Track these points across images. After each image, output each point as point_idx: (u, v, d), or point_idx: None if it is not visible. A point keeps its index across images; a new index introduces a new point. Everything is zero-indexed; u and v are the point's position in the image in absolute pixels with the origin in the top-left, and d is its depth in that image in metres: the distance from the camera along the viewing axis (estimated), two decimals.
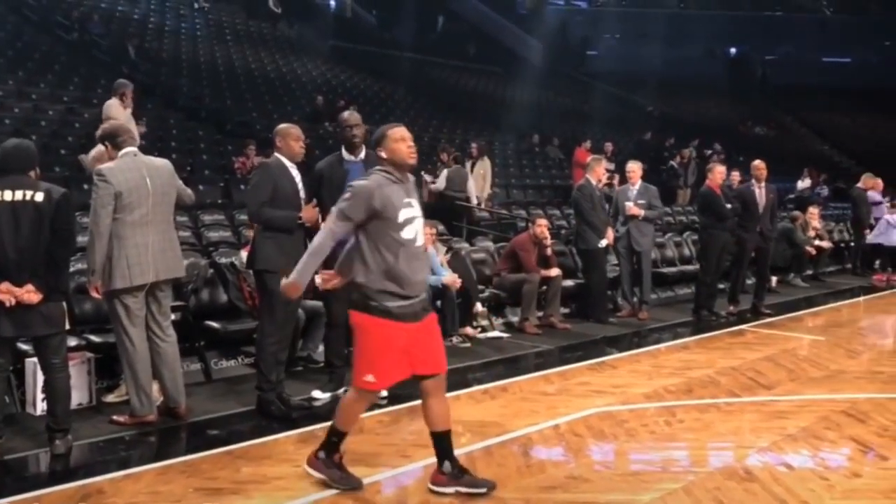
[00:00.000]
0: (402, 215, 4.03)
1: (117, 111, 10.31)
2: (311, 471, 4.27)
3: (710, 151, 20.27)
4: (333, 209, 4.08)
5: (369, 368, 4.07)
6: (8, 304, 4.40)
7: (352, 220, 4.01)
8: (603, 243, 9.11)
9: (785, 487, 4.38)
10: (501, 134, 20.71)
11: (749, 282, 10.62)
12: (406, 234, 4.04)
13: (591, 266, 9.30)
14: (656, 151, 19.56)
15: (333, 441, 4.25)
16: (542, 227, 8.91)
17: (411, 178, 4.22)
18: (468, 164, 13.43)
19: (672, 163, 17.57)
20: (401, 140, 4.12)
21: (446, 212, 12.15)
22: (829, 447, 5.07)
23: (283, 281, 4.23)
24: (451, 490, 4.18)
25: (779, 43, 38.08)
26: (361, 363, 4.11)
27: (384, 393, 5.91)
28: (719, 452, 5.05)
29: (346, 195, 4.04)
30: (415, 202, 4.15)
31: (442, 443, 4.26)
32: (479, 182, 13.23)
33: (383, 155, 4.13)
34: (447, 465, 4.24)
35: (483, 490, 4.20)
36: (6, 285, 4.39)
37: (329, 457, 4.25)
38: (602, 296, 9.39)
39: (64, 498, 4.12)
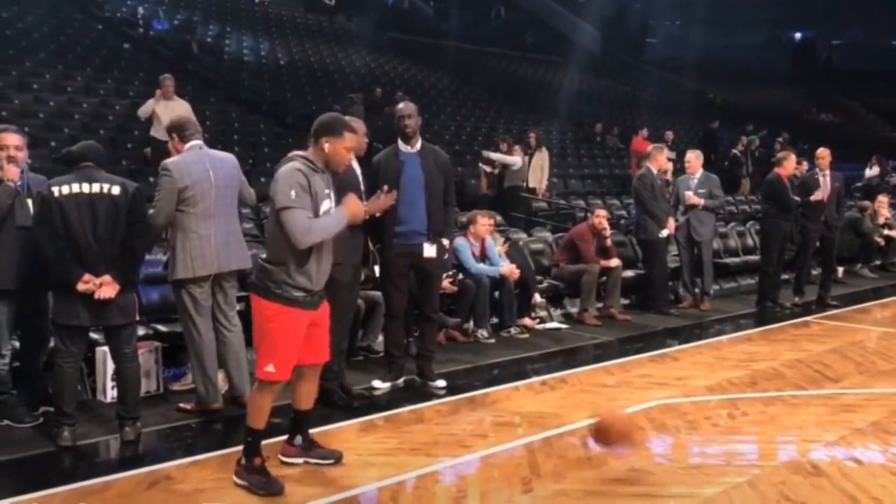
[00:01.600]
0: (323, 207, 4.03)
1: (147, 108, 10.58)
2: (236, 480, 4.13)
3: (779, 139, 19.79)
4: (281, 207, 3.94)
5: (271, 357, 4.03)
6: (97, 295, 4.52)
7: (301, 206, 3.93)
8: (664, 233, 8.99)
9: (854, 483, 4.28)
10: (559, 123, 20.56)
11: (815, 272, 10.38)
12: None
13: (651, 256, 9.19)
14: (720, 141, 19.19)
15: (249, 441, 4.13)
16: (600, 217, 8.83)
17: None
18: (536, 155, 13.29)
19: (735, 151, 17.21)
20: (349, 150, 4.16)
21: (506, 202, 12.12)
22: None
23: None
24: (300, 460, 4.41)
25: (845, 26, 37.04)
26: (263, 352, 4.06)
27: (442, 383, 5.97)
28: (785, 446, 4.96)
29: (282, 189, 3.94)
30: (333, 195, 4.12)
31: (302, 420, 4.45)
32: (536, 173, 13.11)
33: (325, 147, 4.06)
34: (299, 438, 4.45)
35: (332, 461, 4.41)
36: (88, 276, 4.52)
37: (249, 462, 4.11)
38: (663, 286, 9.27)
39: (133, 483, 4.23)
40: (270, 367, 4.03)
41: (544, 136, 18.66)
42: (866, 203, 13.32)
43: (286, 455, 4.43)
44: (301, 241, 3.93)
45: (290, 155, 4.16)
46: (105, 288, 4.54)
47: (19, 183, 4.85)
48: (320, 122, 4.14)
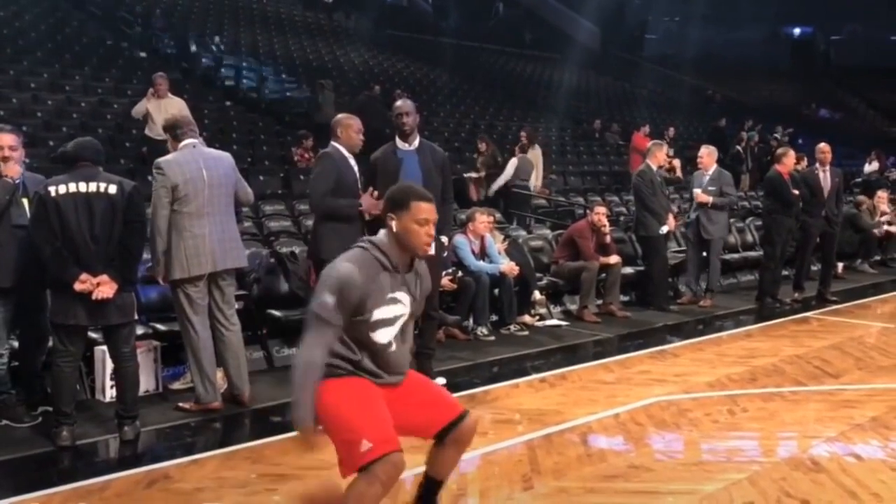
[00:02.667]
0: (380, 313, 3.17)
1: (139, 108, 10.58)
2: None
3: (775, 135, 19.80)
4: (312, 311, 3.11)
5: (361, 433, 3.06)
6: (94, 295, 4.51)
7: (334, 323, 3.09)
8: (664, 230, 8.97)
9: (854, 479, 4.28)
10: (558, 120, 20.54)
11: (815, 268, 10.37)
12: (378, 336, 3.20)
13: (651, 253, 9.17)
14: (723, 136, 19.18)
15: None
16: (600, 214, 8.82)
17: (420, 264, 3.34)
18: (530, 153, 13.16)
19: (738, 147, 17.21)
20: (424, 223, 3.17)
21: (507, 200, 12.09)
22: None
23: (299, 434, 3.10)
24: None
25: (845, 22, 37.01)
26: (345, 436, 3.10)
27: (441, 381, 5.96)
28: (785, 442, 4.96)
29: (330, 288, 3.08)
30: (405, 297, 3.24)
31: (431, 491, 3.58)
32: (509, 171, 12.75)
33: (393, 227, 3.18)
34: None
35: None
36: (85, 275, 4.51)
37: None
38: (663, 283, 9.25)
39: (132, 482, 4.23)
40: (363, 447, 3.03)
41: (543, 132, 18.72)
42: (862, 198, 13.31)
43: None
44: (299, 355, 3.16)
45: (362, 240, 3.30)
46: (102, 287, 4.54)
47: (17, 180, 4.84)
48: (388, 195, 3.30)
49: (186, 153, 5.20)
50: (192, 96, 12.79)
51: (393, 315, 3.21)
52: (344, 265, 3.13)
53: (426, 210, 3.18)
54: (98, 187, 4.58)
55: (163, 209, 5.06)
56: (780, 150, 9.93)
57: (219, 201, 5.21)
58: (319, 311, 3.07)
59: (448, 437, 3.39)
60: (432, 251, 3.34)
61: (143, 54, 16.72)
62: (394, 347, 3.26)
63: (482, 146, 12.86)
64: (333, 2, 25.06)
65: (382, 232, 3.24)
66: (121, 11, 18.72)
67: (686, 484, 4.24)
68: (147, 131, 10.52)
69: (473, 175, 12.65)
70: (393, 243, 3.20)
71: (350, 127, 5.61)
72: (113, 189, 4.60)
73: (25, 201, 4.82)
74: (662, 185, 9.23)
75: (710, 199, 9.09)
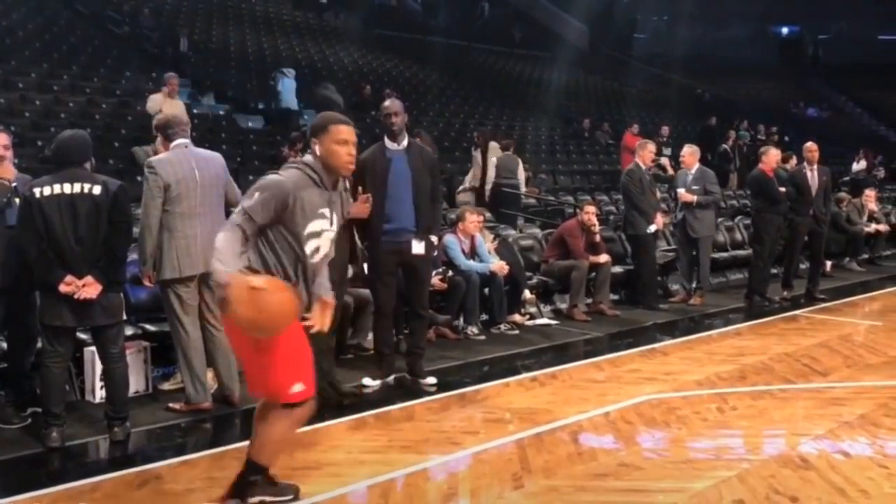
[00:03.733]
0: (312, 227, 3.52)
1: (156, 104, 10.57)
2: None
3: (759, 136, 19.89)
4: (240, 206, 3.49)
5: (298, 375, 3.49)
6: (76, 297, 4.49)
7: (256, 222, 3.43)
8: (652, 228, 9.00)
9: (842, 476, 4.31)
10: (548, 119, 20.57)
11: (803, 266, 10.43)
12: (307, 247, 3.54)
13: (640, 252, 9.20)
14: (713, 135, 19.27)
15: (250, 480, 3.70)
16: (589, 213, 8.84)
17: (342, 186, 3.74)
18: (477, 153, 12.65)
19: (725, 146, 17.29)
20: (343, 143, 3.57)
21: (495, 200, 12.08)
22: (888, 434, 4.97)
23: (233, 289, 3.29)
24: None
25: (833, 21, 37.17)
26: (288, 372, 3.48)
27: (432, 380, 5.97)
28: (774, 440, 4.98)
29: (258, 188, 3.47)
30: (330, 215, 3.61)
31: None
32: (489, 171, 12.38)
33: (317, 150, 3.58)
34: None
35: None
36: (69, 277, 4.50)
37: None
38: (652, 282, 9.28)
39: (123, 483, 4.22)
40: (299, 386, 3.48)
41: (533, 131, 18.76)
42: (842, 195, 13.36)
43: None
44: (218, 236, 3.42)
45: (291, 162, 3.68)
46: (87, 289, 4.52)
47: (14, 183, 4.83)
48: (312, 125, 3.71)
49: (178, 153, 5.19)
50: (181, 95, 12.73)
51: (320, 229, 3.56)
52: (275, 176, 3.53)
53: (345, 132, 3.58)
54: (82, 188, 4.55)
55: (155, 209, 5.05)
56: (762, 149, 9.99)
57: (210, 202, 5.20)
58: (246, 208, 3.42)
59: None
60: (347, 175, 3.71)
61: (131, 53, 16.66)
62: (316, 259, 3.61)
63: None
64: (325, 1, 25.00)
65: (309, 154, 3.61)
66: (109, 11, 18.64)
67: (676, 482, 4.26)
68: None
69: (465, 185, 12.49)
70: (318, 163, 3.56)
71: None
72: (97, 190, 4.57)
73: (17, 201, 4.80)
74: (652, 184, 9.26)
75: (693, 197, 9.12)
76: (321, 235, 3.58)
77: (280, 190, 3.45)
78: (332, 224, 3.63)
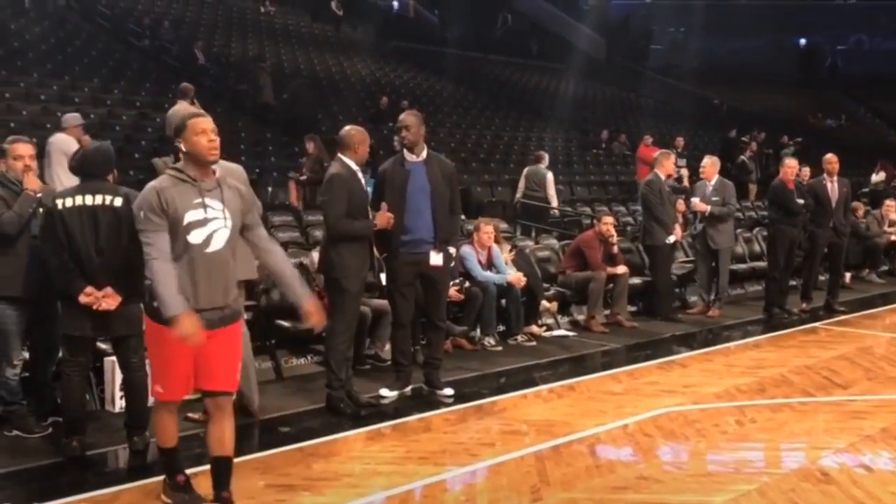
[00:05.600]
0: (189, 217, 3.67)
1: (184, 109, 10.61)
2: (163, 498, 4.05)
3: (790, 145, 19.77)
4: (139, 232, 3.70)
5: (158, 378, 3.89)
6: (95, 307, 4.53)
7: (157, 232, 3.64)
8: (671, 239, 8.97)
9: (864, 490, 4.27)
10: (565, 130, 20.57)
11: (822, 278, 10.36)
12: (192, 237, 3.68)
13: (657, 263, 9.16)
14: (734, 147, 19.21)
15: (164, 461, 4.10)
16: (607, 224, 8.82)
17: (218, 173, 3.85)
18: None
19: (742, 157, 17.22)
20: (202, 133, 3.73)
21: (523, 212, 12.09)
22: None
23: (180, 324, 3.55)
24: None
25: (851, 32, 37.02)
26: (153, 373, 3.97)
27: (449, 391, 5.97)
28: (794, 453, 4.95)
29: (137, 208, 3.72)
30: (214, 202, 3.74)
31: (214, 471, 3.94)
32: (520, 184, 12.54)
33: (182, 148, 3.77)
34: (214, 493, 3.94)
35: None
36: (89, 289, 4.53)
37: (172, 479, 4.03)
38: (668, 293, 9.25)
39: (142, 493, 4.24)
40: (158, 388, 3.90)
41: (549, 143, 18.75)
42: (858, 204, 13.26)
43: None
44: (147, 269, 3.68)
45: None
46: (106, 300, 4.54)
47: (39, 194, 4.88)
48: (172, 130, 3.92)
49: None
50: (200, 106, 12.83)
51: (203, 217, 3.69)
52: (146, 188, 3.75)
53: (202, 122, 3.76)
54: (104, 200, 4.58)
55: None
56: (781, 160, 9.94)
57: None
58: (142, 226, 3.65)
59: (207, 400, 3.94)
60: (216, 164, 3.82)
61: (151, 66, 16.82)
62: (210, 248, 3.72)
63: (310, 146, 11.48)
64: (342, 14, 25.12)
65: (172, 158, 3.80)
66: (129, 24, 18.83)
67: (695, 495, 4.24)
68: None
69: (295, 176, 11.77)
70: (186, 161, 3.75)
71: (364, 142, 5.61)
72: (119, 202, 4.60)
73: (41, 211, 4.85)
74: (670, 195, 9.23)
75: (707, 208, 9.08)
76: (207, 223, 3.71)
77: (152, 196, 3.67)
78: (222, 213, 3.75)
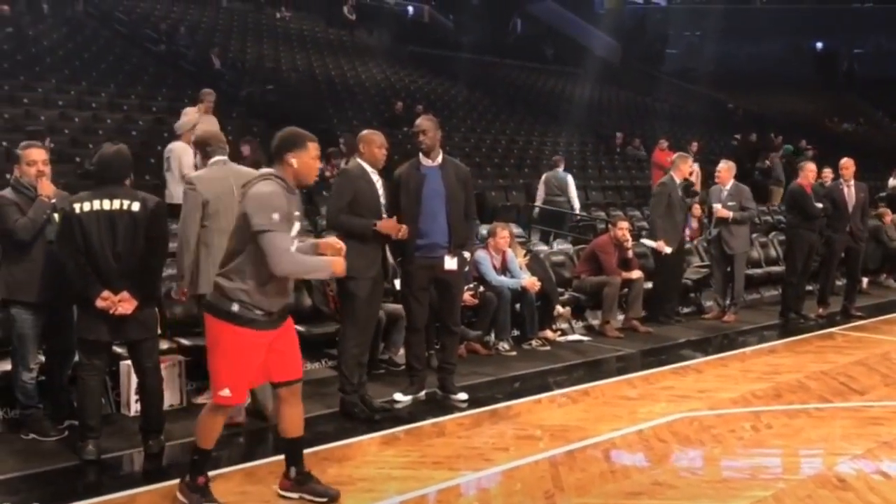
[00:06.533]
0: (293, 230, 3.89)
1: (191, 118, 10.64)
2: (178, 495, 4.10)
3: (807, 150, 19.72)
4: (262, 230, 3.75)
5: (227, 381, 3.90)
6: (112, 311, 4.55)
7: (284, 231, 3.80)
8: (667, 250, 8.86)
9: (881, 497, 4.23)
10: (580, 134, 20.54)
11: (839, 283, 10.29)
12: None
13: (658, 264, 9.09)
14: (754, 151, 19.14)
15: (195, 460, 4.07)
16: (622, 229, 8.79)
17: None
18: (343, 162, 11.34)
19: (767, 161, 17.17)
20: (317, 159, 3.99)
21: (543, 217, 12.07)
22: None
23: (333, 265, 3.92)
24: (295, 495, 4.16)
25: (868, 35, 36.78)
26: (218, 375, 3.94)
27: (463, 396, 5.96)
28: (810, 459, 4.92)
29: (262, 212, 3.76)
30: (299, 218, 3.98)
31: (292, 450, 4.20)
32: (539, 188, 12.55)
33: (293, 163, 3.89)
34: (293, 471, 4.18)
35: (325, 499, 4.12)
36: (106, 293, 4.56)
37: (193, 480, 4.06)
38: (668, 294, 9.15)
39: (157, 497, 4.26)
40: (226, 392, 3.91)
41: (564, 147, 18.72)
42: (885, 209, 13.17)
43: (282, 489, 4.22)
44: (281, 266, 3.77)
45: (262, 173, 4.01)
46: (123, 304, 4.57)
47: (53, 200, 4.91)
48: (281, 138, 4.00)
49: (217, 170, 5.26)
50: (216, 112, 12.90)
51: (296, 230, 3.93)
52: (267, 187, 3.82)
53: (317, 148, 3.98)
54: (121, 204, 4.61)
55: (193, 224, 5.11)
56: (800, 164, 9.89)
57: None
58: (270, 227, 3.73)
59: (282, 390, 4.09)
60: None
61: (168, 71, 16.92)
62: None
63: (245, 150, 10.99)
64: (356, 18, 25.20)
65: (277, 167, 3.93)
66: (146, 29, 18.96)
67: (710, 501, 4.21)
68: None
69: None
70: (290, 174, 3.90)
71: (373, 143, 5.62)
72: (136, 206, 4.63)
73: (56, 216, 4.89)
74: (681, 202, 9.14)
75: (730, 214, 9.03)
76: (295, 238, 3.93)
77: (284, 203, 3.83)
78: (298, 224, 4.00)
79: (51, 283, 4.86)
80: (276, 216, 3.74)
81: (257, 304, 3.85)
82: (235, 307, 3.83)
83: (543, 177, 12.49)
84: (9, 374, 5.07)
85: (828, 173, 10.61)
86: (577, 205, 12.55)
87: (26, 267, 4.89)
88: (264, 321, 3.89)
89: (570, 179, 12.56)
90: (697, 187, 12.36)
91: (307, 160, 3.92)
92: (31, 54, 15.11)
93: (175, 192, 9.05)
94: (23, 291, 4.89)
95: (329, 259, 3.93)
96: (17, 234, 4.82)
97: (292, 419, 4.13)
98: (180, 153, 9.37)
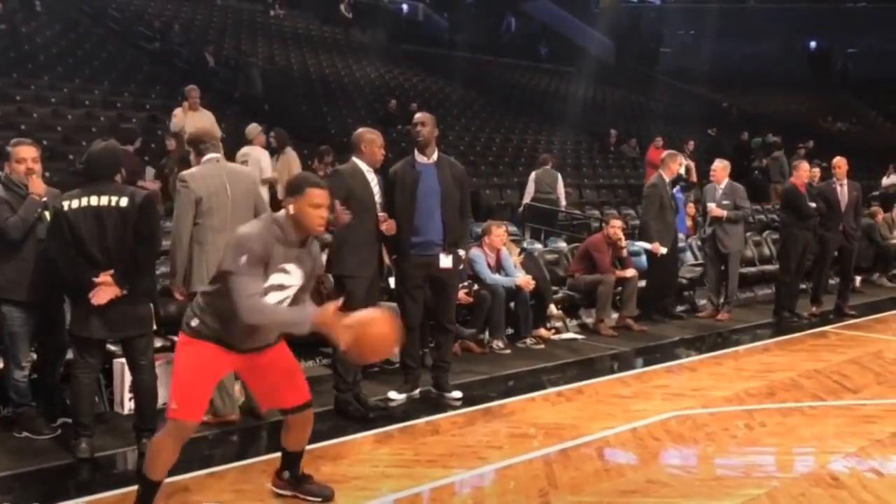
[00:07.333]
0: (273, 279, 3.63)
1: (179, 120, 10.61)
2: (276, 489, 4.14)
3: (800, 149, 19.77)
4: (227, 270, 3.57)
5: (176, 393, 3.71)
6: (91, 300, 4.50)
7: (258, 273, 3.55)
8: (662, 251, 8.87)
9: (874, 494, 4.25)
10: (574, 133, 20.55)
11: (832, 282, 10.32)
12: (269, 298, 3.63)
13: (653, 264, 9.09)
14: (746, 150, 19.18)
15: (141, 493, 3.83)
16: (615, 227, 8.81)
17: (313, 244, 3.82)
18: (273, 158, 10.71)
19: (765, 160, 17.22)
20: (316, 207, 3.65)
21: (531, 215, 12.08)
22: None
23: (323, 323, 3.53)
24: (288, 493, 4.13)
25: (862, 35, 36.84)
26: (171, 387, 3.77)
27: (457, 394, 5.96)
28: (804, 458, 4.93)
29: (233, 252, 3.57)
30: (295, 270, 3.71)
31: (292, 460, 4.13)
32: (283, 176, 10.49)
33: (291, 209, 3.65)
34: (286, 474, 4.14)
35: (320, 499, 4.10)
36: (101, 277, 4.53)
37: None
38: (655, 293, 9.16)
39: None
40: (173, 405, 3.69)
41: (558, 146, 18.74)
42: (877, 209, 13.21)
43: (275, 486, 4.18)
44: (241, 311, 3.53)
45: (266, 216, 3.89)
46: (102, 289, 4.51)
47: (44, 198, 4.89)
48: (289, 182, 3.85)
49: (210, 167, 5.24)
50: (210, 110, 12.88)
51: (280, 282, 3.66)
52: (249, 228, 3.67)
53: (319, 196, 3.66)
54: (110, 201, 4.58)
55: (186, 222, 5.10)
56: (794, 163, 9.91)
57: (240, 216, 5.22)
58: (236, 270, 3.52)
59: (290, 417, 3.96)
60: (326, 234, 3.90)
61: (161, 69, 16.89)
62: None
63: (170, 144, 10.67)
64: (351, 16, 25.17)
65: (282, 212, 3.71)
66: (140, 27, 18.91)
67: (704, 500, 4.22)
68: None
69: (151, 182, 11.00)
70: (289, 222, 3.66)
71: (374, 142, 5.61)
72: (124, 202, 4.60)
73: (47, 214, 4.87)
74: (672, 200, 9.14)
75: (724, 213, 9.05)
76: (284, 289, 3.69)
77: (259, 247, 3.56)
78: (299, 279, 3.73)
79: (42, 282, 4.84)
80: (243, 259, 3.51)
81: (216, 335, 3.69)
82: (195, 322, 3.70)
83: (533, 174, 12.48)
84: (1, 372, 5.06)
85: (816, 173, 10.62)
86: (563, 203, 12.59)
87: (17, 265, 4.86)
88: (223, 341, 3.71)
89: (559, 177, 12.60)
90: (694, 178, 12.39)
91: (303, 207, 3.63)
92: (23, 51, 15.05)
93: None
94: (14, 290, 4.86)
95: (307, 313, 3.58)
96: (9, 233, 4.79)
97: (298, 440, 4.06)
98: (259, 157, 9.67)
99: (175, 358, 3.82)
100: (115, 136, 9.32)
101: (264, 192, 9.68)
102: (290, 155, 10.83)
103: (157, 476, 3.76)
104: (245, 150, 9.76)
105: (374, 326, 3.52)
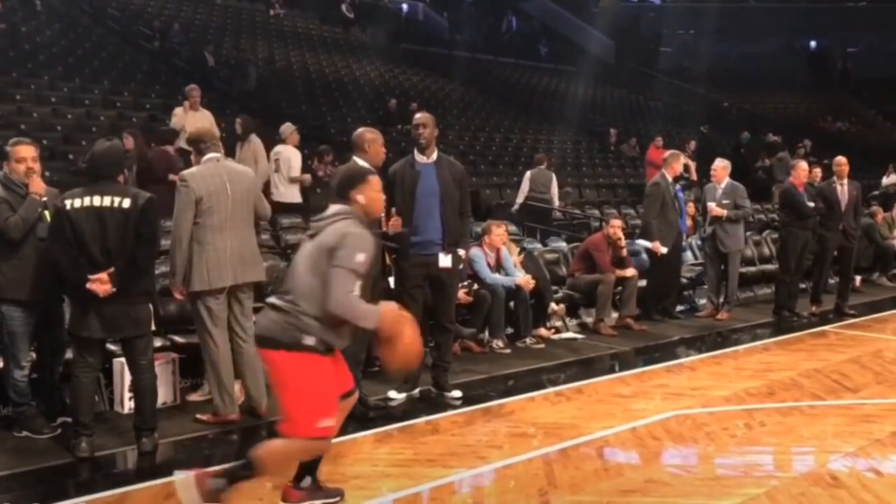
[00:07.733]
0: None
1: (179, 119, 10.60)
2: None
3: (798, 148, 19.80)
4: (340, 271, 3.59)
5: (324, 411, 3.67)
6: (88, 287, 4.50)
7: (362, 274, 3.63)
8: (663, 251, 8.88)
9: (874, 494, 4.25)
10: (574, 133, 20.54)
11: (832, 281, 10.32)
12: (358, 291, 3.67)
13: (654, 263, 9.08)
14: (740, 150, 19.18)
15: (242, 475, 3.78)
16: (615, 227, 8.81)
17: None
18: (238, 145, 10.28)
19: (768, 160, 17.23)
20: (379, 192, 3.90)
21: (526, 214, 12.09)
22: None
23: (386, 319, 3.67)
24: None
25: (862, 34, 36.84)
26: (308, 407, 3.65)
27: (457, 394, 5.97)
28: (803, 457, 4.94)
29: (351, 250, 3.60)
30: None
31: (318, 460, 4.07)
32: (250, 165, 9.49)
33: (360, 199, 3.80)
34: (307, 480, 4.05)
35: (337, 499, 4.06)
36: (100, 275, 4.52)
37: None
38: (655, 292, 9.17)
39: (150, 495, 4.25)
40: (327, 422, 3.67)
41: (558, 145, 18.74)
42: (877, 209, 13.22)
43: (290, 500, 4.02)
44: (334, 305, 3.57)
45: (340, 211, 3.79)
46: (97, 283, 4.50)
47: (44, 198, 4.89)
48: (343, 175, 3.97)
49: (210, 167, 5.25)
50: (209, 109, 12.87)
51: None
52: (355, 230, 3.68)
53: (378, 181, 3.93)
54: (112, 201, 4.59)
55: (186, 221, 5.10)
56: (792, 163, 9.91)
57: (240, 215, 5.25)
58: (352, 266, 3.59)
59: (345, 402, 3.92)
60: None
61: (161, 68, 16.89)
62: None
63: (128, 142, 9.97)
64: (353, 16, 25.18)
65: (347, 205, 3.80)
66: (140, 26, 18.90)
67: (703, 499, 4.22)
68: (181, 143, 10.43)
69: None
70: (362, 212, 3.82)
71: (376, 142, 5.60)
72: (126, 203, 4.61)
73: (47, 213, 4.88)
74: (674, 200, 9.14)
75: (724, 212, 9.05)
76: (361, 278, 3.72)
77: (372, 247, 3.71)
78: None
79: (41, 281, 4.85)
80: (361, 257, 3.61)
81: (327, 344, 3.71)
82: (311, 341, 3.65)
83: (528, 174, 12.47)
84: (1, 371, 5.06)
85: (817, 173, 10.62)
86: (556, 203, 12.62)
87: (16, 265, 4.87)
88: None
89: (553, 177, 12.61)
90: (694, 176, 12.40)
91: (372, 194, 3.85)
92: (23, 51, 15.05)
93: (285, 193, 9.78)
94: (13, 289, 4.87)
95: (377, 312, 3.66)
96: (9, 233, 4.80)
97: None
98: (290, 156, 9.81)
99: (300, 378, 3.65)
100: (155, 136, 9.70)
101: (294, 190, 9.91)
102: (256, 143, 10.28)
103: (270, 475, 3.85)
104: (278, 148, 9.98)
105: (411, 333, 3.74)
